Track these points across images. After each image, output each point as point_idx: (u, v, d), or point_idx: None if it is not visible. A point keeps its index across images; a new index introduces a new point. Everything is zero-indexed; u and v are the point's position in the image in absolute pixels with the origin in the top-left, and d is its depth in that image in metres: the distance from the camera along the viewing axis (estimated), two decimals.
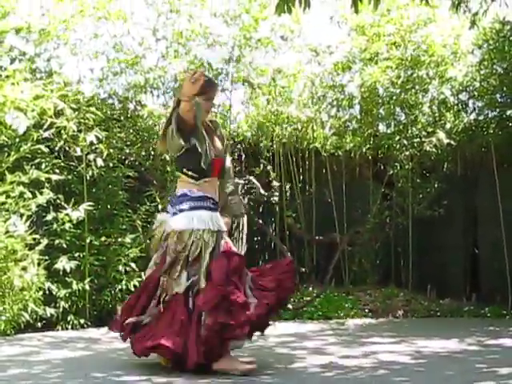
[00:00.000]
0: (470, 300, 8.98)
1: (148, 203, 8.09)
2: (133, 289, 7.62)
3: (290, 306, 8.55)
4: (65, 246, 7.38)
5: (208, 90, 4.87)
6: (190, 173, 4.93)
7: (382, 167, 9.69)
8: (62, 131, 7.34)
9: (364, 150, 9.68)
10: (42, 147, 7.15)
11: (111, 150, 7.80)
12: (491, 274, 8.98)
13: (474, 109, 9.24)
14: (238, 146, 9.94)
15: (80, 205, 7.32)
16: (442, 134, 8.69)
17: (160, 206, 8.16)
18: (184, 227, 4.83)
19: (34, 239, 6.82)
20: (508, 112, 8.80)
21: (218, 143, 5.09)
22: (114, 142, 7.94)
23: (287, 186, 9.97)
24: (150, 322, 4.73)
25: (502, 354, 5.47)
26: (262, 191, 9.90)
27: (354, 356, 5.29)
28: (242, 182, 9.81)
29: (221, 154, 5.07)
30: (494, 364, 4.76)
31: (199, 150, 4.82)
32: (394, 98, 8.95)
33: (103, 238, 7.65)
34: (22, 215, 6.69)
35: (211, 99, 5.00)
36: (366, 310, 8.48)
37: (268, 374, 4.52)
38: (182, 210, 4.89)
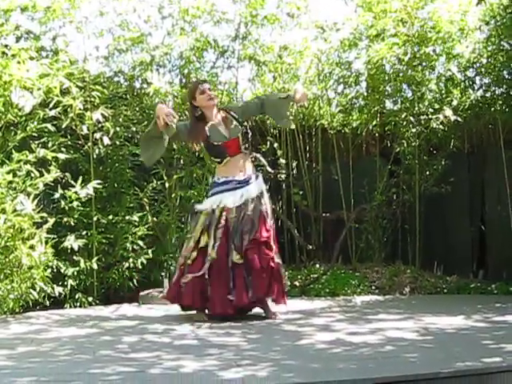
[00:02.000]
0: (476, 277, 8.99)
1: (155, 181, 8.10)
2: (140, 266, 7.67)
3: (296, 283, 8.59)
4: (72, 224, 7.41)
5: (193, 90, 6.33)
6: (214, 159, 6.42)
7: (389, 144, 9.66)
8: (69, 110, 7.33)
9: (371, 127, 9.66)
10: (49, 126, 7.16)
11: (117, 128, 7.80)
12: (498, 251, 8.98)
13: (481, 85, 9.20)
14: (244, 123, 9.90)
15: (87, 183, 7.33)
16: (448, 111, 8.65)
17: (167, 184, 8.17)
18: (214, 206, 6.21)
19: (42, 218, 6.83)
20: None
21: (229, 128, 6.34)
22: (121, 120, 7.93)
23: (294, 164, 9.95)
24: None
25: (508, 330, 5.48)
26: (269, 169, 9.90)
27: (360, 333, 5.31)
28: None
29: (233, 135, 6.32)
30: (500, 340, 4.77)
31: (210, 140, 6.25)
32: (401, 74, 8.92)
33: (110, 216, 7.67)
34: (29, 194, 6.70)
35: (203, 92, 6.28)
36: (373, 287, 8.49)
37: (275, 351, 4.54)
38: (213, 194, 6.32)
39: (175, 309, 6.80)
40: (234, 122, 6.41)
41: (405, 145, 9.16)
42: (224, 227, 6.15)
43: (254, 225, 6.17)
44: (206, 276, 6.09)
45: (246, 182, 6.33)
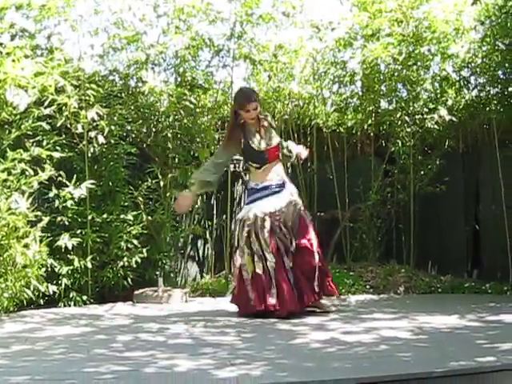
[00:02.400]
0: (471, 276, 9.00)
1: (150, 180, 8.10)
2: (135, 265, 7.66)
3: None
4: (67, 223, 7.41)
5: (241, 105, 6.51)
6: (253, 164, 6.59)
7: (384, 144, 9.66)
8: (63, 108, 7.32)
9: (365, 126, 9.68)
10: (43, 124, 7.15)
11: (112, 127, 7.78)
12: (492, 251, 8.99)
13: (476, 85, 9.20)
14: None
15: (82, 182, 7.33)
16: (443, 111, 8.67)
17: (162, 183, 8.16)
18: (259, 213, 6.41)
19: (36, 216, 6.83)
20: (510, 88, 8.76)
21: (269, 136, 6.58)
22: (116, 118, 7.92)
23: (288, 163, 9.96)
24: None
25: (502, 329, 5.49)
26: None
27: (355, 332, 5.32)
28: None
29: (272, 144, 6.57)
30: (495, 340, 4.77)
31: (252, 145, 6.50)
32: (396, 74, 8.93)
33: (105, 215, 7.66)
34: (23, 192, 6.70)
35: (248, 111, 6.46)
36: (368, 286, 8.51)
37: (269, 350, 4.54)
38: (253, 201, 6.53)
39: (169, 308, 6.82)
40: (273, 131, 6.70)
41: (399, 144, 9.17)
42: (270, 231, 6.35)
43: (296, 228, 6.50)
44: (273, 281, 6.29)
45: (283, 186, 6.60)
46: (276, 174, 6.61)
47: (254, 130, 6.56)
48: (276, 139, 6.66)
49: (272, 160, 6.59)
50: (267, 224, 6.36)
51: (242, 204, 6.70)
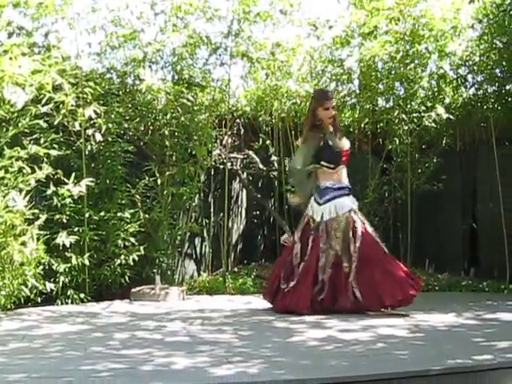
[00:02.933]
0: (468, 274, 9.02)
1: (147, 178, 8.09)
2: (132, 263, 7.66)
3: None
4: (64, 220, 7.40)
5: (320, 102, 6.65)
6: (326, 164, 6.61)
7: (381, 142, 9.66)
8: (61, 106, 7.32)
9: (363, 124, 9.68)
10: (41, 122, 7.13)
11: (110, 125, 7.78)
12: (489, 249, 9.00)
13: (474, 83, 9.21)
14: (237, 120, 9.93)
15: (79, 180, 7.32)
16: (441, 109, 8.66)
17: (159, 181, 8.16)
18: (333, 215, 6.51)
19: (34, 214, 6.82)
20: (507, 87, 8.78)
21: (342, 138, 6.80)
22: (113, 116, 7.92)
23: (286, 161, 9.97)
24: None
25: (499, 327, 5.50)
26: (261, 166, 9.92)
27: (352, 330, 5.33)
28: (240, 156, 9.83)
29: (345, 147, 6.75)
30: (491, 338, 4.78)
31: (332, 145, 6.60)
32: (393, 72, 8.92)
33: (102, 213, 7.65)
34: (21, 190, 6.69)
35: (327, 108, 6.63)
36: None
37: (266, 348, 4.55)
38: (328, 200, 6.57)
39: (166, 305, 6.82)
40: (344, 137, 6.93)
41: (397, 142, 9.17)
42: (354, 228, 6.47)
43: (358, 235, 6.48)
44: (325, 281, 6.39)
45: (349, 190, 6.77)
46: (344, 178, 6.76)
47: (330, 130, 6.70)
48: (348, 143, 6.89)
49: (344, 162, 6.75)
50: (356, 219, 6.52)
51: (313, 202, 6.65)
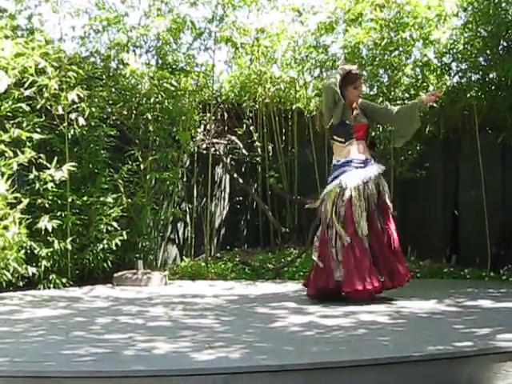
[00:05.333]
0: (449, 262, 9.05)
1: (130, 162, 8.08)
2: (114, 248, 7.65)
3: (270, 266, 8.63)
4: (47, 205, 7.38)
5: (352, 80, 6.47)
6: (338, 138, 6.53)
7: None
8: (44, 90, 7.29)
9: None
10: (24, 106, 7.11)
11: (93, 109, 7.75)
12: (471, 236, 9.04)
13: (458, 71, 9.21)
14: (221, 106, 9.92)
15: (62, 164, 7.30)
16: (424, 96, 8.67)
17: (142, 166, 8.15)
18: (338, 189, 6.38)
19: (16, 198, 6.80)
20: (491, 75, 8.80)
21: (362, 115, 6.57)
22: (96, 100, 7.90)
23: (270, 147, 9.98)
24: None
25: (480, 315, 5.53)
26: (245, 151, 9.91)
27: (334, 315, 5.34)
28: (224, 142, 9.82)
29: (363, 122, 6.56)
30: (472, 325, 4.81)
31: (346, 121, 6.44)
32: (378, 59, 8.91)
33: (85, 198, 7.64)
34: (3, 174, 6.67)
35: (357, 87, 6.51)
36: None
37: (248, 333, 4.56)
38: (336, 177, 6.47)
39: (148, 290, 6.82)
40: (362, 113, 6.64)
41: (380, 130, 9.18)
42: (347, 206, 6.31)
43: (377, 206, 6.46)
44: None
45: (366, 163, 6.51)
46: (359, 152, 6.51)
47: (349, 106, 6.52)
48: (365, 119, 6.63)
49: (359, 137, 6.54)
50: (345, 198, 6.34)
51: (333, 178, 6.55)
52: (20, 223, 6.75)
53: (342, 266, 6.18)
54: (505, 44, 8.38)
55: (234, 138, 9.88)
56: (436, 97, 6.97)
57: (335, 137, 6.57)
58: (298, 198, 9.63)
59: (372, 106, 6.86)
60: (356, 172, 6.42)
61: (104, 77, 8.37)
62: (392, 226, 6.49)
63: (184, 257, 9.27)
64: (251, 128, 9.84)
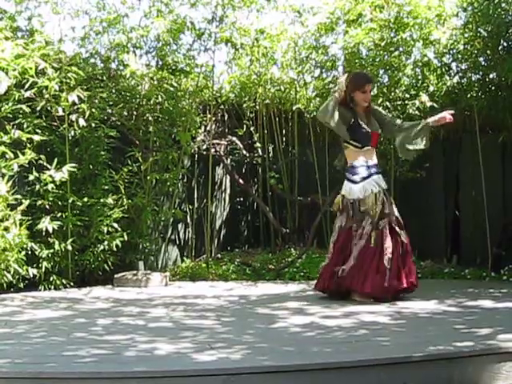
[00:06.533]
0: (450, 262, 9.05)
1: (130, 163, 8.07)
2: (115, 249, 7.65)
3: (271, 267, 8.63)
4: (47, 206, 7.37)
5: (359, 85, 6.53)
6: (354, 143, 6.53)
7: None
8: (44, 91, 7.29)
9: None
10: (24, 107, 7.11)
11: (93, 110, 7.74)
12: (472, 237, 9.04)
13: (458, 72, 9.20)
14: (221, 106, 9.91)
15: (62, 165, 7.29)
16: (425, 97, 8.65)
17: (142, 167, 8.15)
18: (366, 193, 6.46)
19: (16, 199, 6.80)
20: (491, 75, 8.79)
21: (374, 122, 6.64)
22: (97, 101, 7.89)
23: (270, 147, 9.98)
24: None
25: (480, 315, 5.53)
26: (245, 152, 9.91)
27: (334, 316, 5.34)
28: (224, 142, 9.81)
29: (375, 130, 6.62)
30: (473, 325, 4.81)
31: (362, 125, 6.52)
32: (378, 60, 8.91)
33: (86, 199, 7.63)
34: (3, 175, 6.67)
35: (365, 92, 6.53)
36: None
37: (249, 334, 4.56)
38: (366, 177, 6.49)
39: (149, 291, 6.82)
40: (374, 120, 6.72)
41: (380, 130, 9.17)
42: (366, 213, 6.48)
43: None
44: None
45: (378, 170, 6.67)
46: (371, 159, 6.62)
47: (363, 112, 6.61)
48: (377, 126, 6.69)
49: (373, 145, 6.66)
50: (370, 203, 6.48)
51: (346, 181, 6.66)
52: (21, 224, 6.74)
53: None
54: (505, 44, 8.36)
55: (234, 138, 9.88)
56: (449, 119, 6.86)
57: (352, 141, 6.57)
58: (298, 198, 9.63)
59: (379, 114, 6.87)
60: (380, 176, 6.62)
61: (104, 78, 8.35)
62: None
63: (185, 258, 9.26)
64: (251, 129, 9.84)
